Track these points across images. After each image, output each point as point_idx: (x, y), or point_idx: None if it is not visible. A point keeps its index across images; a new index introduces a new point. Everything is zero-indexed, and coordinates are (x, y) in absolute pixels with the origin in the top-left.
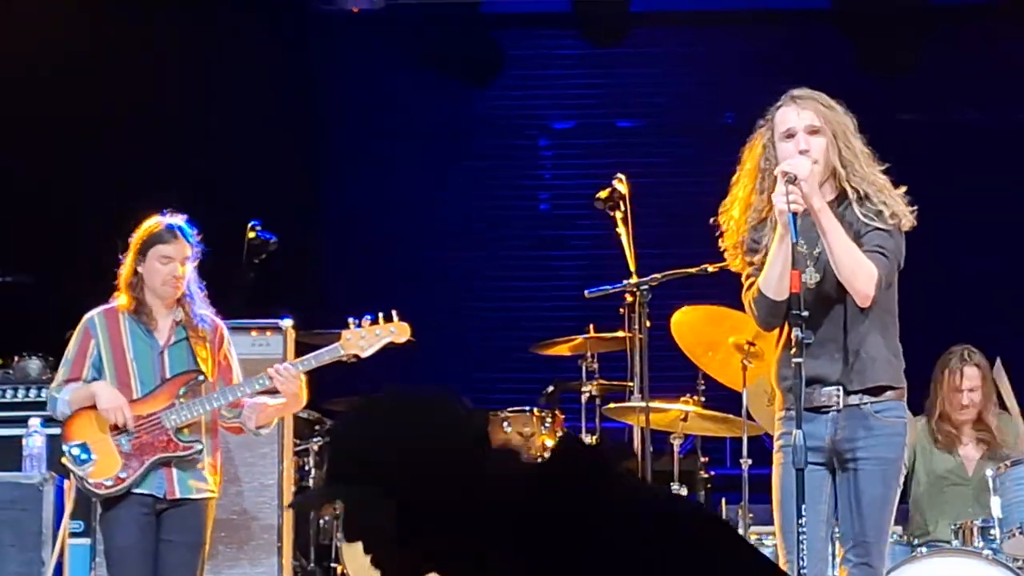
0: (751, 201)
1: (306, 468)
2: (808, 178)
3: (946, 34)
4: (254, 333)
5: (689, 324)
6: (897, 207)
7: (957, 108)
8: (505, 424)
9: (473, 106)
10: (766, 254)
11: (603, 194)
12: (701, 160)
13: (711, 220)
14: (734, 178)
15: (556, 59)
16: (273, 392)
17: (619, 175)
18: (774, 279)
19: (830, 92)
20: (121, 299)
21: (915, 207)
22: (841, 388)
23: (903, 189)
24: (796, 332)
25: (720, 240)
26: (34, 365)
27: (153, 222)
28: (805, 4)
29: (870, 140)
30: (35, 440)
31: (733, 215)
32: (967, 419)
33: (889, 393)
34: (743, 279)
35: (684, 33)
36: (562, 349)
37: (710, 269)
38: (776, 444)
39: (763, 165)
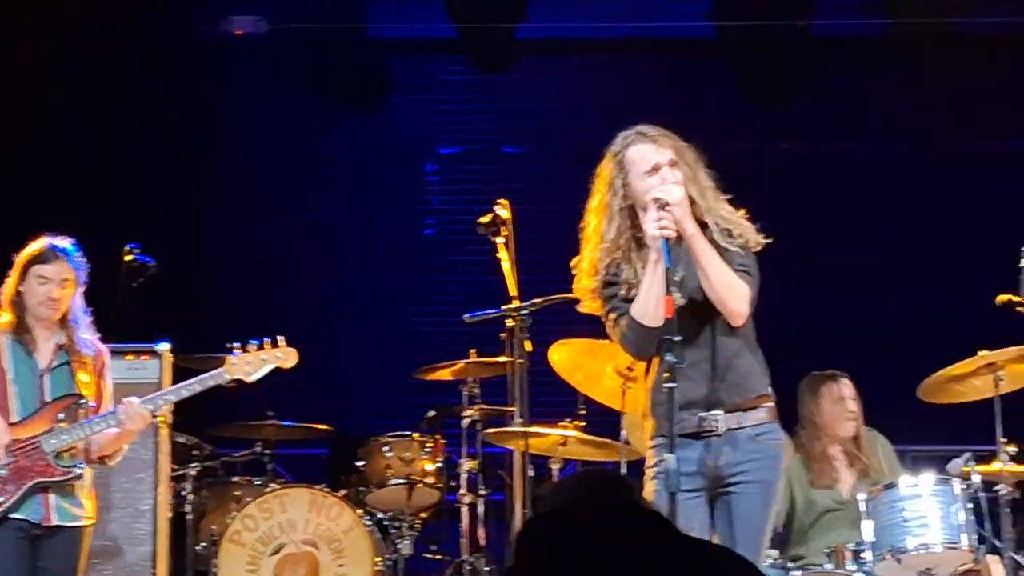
0: (602, 241)
1: (183, 493)
2: (680, 204)
3: (827, 64)
4: (130, 357)
5: (566, 358)
6: (746, 230)
7: (837, 137)
8: (386, 449)
9: (359, 131)
10: (628, 288)
11: (485, 219)
12: (585, 187)
13: (571, 264)
14: (583, 223)
15: (443, 85)
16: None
17: (501, 200)
18: (650, 306)
19: (715, 120)
20: (3, 318)
21: (762, 232)
22: (720, 411)
23: (743, 212)
24: (668, 357)
25: (576, 283)
26: None
27: (38, 243)
28: (691, 33)
29: (752, 168)
30: None
31: (587, 257)
32: (849, 435)
33: (763, 413)
34: (603, 317)
35: (570, 60)
36: (444, 374)
37: None
38: (649, 472)
39: (617, 204)
